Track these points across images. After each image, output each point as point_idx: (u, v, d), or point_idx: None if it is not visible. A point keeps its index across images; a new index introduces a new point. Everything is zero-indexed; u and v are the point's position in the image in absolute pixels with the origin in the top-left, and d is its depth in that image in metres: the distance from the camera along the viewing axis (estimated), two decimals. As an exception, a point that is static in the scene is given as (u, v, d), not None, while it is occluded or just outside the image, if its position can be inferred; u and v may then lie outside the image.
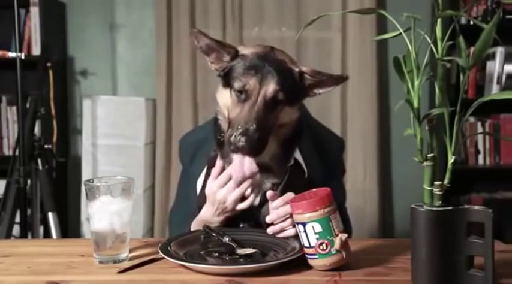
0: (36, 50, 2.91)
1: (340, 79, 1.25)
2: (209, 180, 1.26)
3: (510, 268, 1.03)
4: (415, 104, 0.88)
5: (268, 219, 1.18)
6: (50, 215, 2.30)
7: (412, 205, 0.91)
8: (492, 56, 3.06)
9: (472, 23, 2.65)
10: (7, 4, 2.26)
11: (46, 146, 2.43)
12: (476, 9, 3.05)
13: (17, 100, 2.27)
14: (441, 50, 0.87)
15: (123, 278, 1.00)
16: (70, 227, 3.08)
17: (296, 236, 1.07)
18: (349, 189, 1.56)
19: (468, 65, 0.87)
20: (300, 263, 1.02)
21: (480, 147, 3.14)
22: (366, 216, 3.08)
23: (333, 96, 3.11)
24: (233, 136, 1.12)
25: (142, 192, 2.93)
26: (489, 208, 0.87)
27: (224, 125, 1.23)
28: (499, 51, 3.03)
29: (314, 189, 1.06)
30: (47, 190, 2.33)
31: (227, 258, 1.07)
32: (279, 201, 1.16)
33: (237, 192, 1.21)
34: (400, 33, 0.89)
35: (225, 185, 1.22)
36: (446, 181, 0.88)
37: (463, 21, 2.93)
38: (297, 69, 1.21)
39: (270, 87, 1.15)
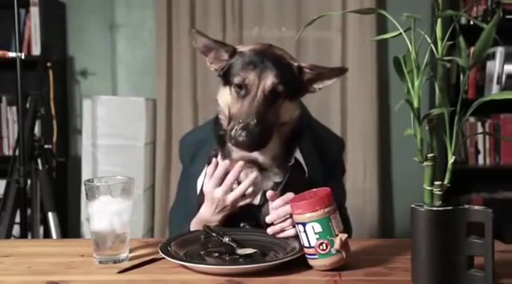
0: (36, 50, 2.91)
1: (340, 71, 1.24)
2: (205, 179, 1.26)
3: (510, 268, 1.03)
4: (415, 104, 0.88)
5: (268, 219, 1.18)
6: (50, 215, 2.30)
7: (412, 205, 0.91)
8: (492, 56, 3.06)
9: (472, 23, 2.65)
10: (7, 4, 2.26)
11: (46, 146, 2.43)
12: (476, 9, 3.05)
13: (17, 100, 2.27)
14: (441, 50, 0.88)
15: (123, 278, 1.00)
16: (70, 227, 3.08)
17: (296, 236, 1.07)
18: (349, 189, 1.56)
19: (468, 65, 0.87)
20: (300, 263, 1.02)
21: (480, 147, 3.14)
22: (366, 216, 3.08)
23: (333, 96, 3.11)
24: (234, 130, 1.12)
25: (142, 192, 2.93)
26: (489, 208, 0.87)
27: (225, 124, 1.23)
28: (499, 51, 3.03)
29: (314, 189, 1.06)
30: (47, 190, 2.33)
31: (227, 258, 1.07)
32: (279, 201, 1.16)
33: (238, 191, 1.21)
34: (400, 33, 0.89)
35: (222, 182, 1.22)
36: (446, 181, 0.88)
37: (463, 21, 2.93)
38: (295, 64, 1.22)
39: (269, 80, 1.16)
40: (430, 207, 0.88)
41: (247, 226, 1.28)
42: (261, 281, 0.96)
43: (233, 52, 1.23)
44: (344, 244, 1.00)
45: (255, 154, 1.22)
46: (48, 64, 2.72)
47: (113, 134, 2.90)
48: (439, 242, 0.88)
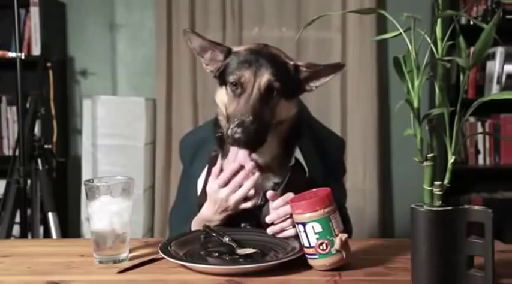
0: (36, 50, 2.91)
1: (337, 67, 1.23)
2: (210, 179, 1.26)
3: (510, 268, 1.03)
4: (415, 104, 0.88)
5: (268, 219, 1.18)
6: (50, 215, 2.30)
7: (412, 205, 0.91)
8: (492, 56, 3.06)
9: (472, 23, 2.65)
10: (7, 4, 2.26)
11: (46, 146, 2.43)
12: (476, 9, 3.05)
13: (17, 100, 2.27)
14: (441, 50, 0.88)
15: (123, 278, 1.00)
16: (70, 227, 3.08)
17: (296, 236, 1.07)
18: (349, 189, 1.56)
19: (468, 65, 0.87)
20: (300, 263, 1.02)
21: (480, 147, 3.14)
22: (366, 216, 3.08)
23: (333, 96, 3.11)
24: (230, 129, 1.12)
25: (142, 192, 2.93)
26: (489, 208, 0.87)
27: (224, 125, 1.23)
28: (499, 51, 3.03)
29: (314, 189, 1.06)
30: (47, 190, 2.33)
31: (227, 258, 1.07)
32: (279, 201, 1.16)
33: (241, 192, 1.21)
34: (400, 33, 0.89)
35: (227, 183, 1.22)
36: (446, 181, 0.88)
37: (463, 21, 2.93)
38: (291, 62, 1.22)
39: (264, 78, 1.17)
40: (430, 207, 0.88)
41: (248, 226, 1.28)
42: (261, 281, 0.96)
43: (228, 52, 1.23)
44: (344, 244, 1.00)
45: (254, 155, 1.22)
46: (48, 64, 2.72)
47: (112, 134, 2.90)
48: (439, 242, 0.88)
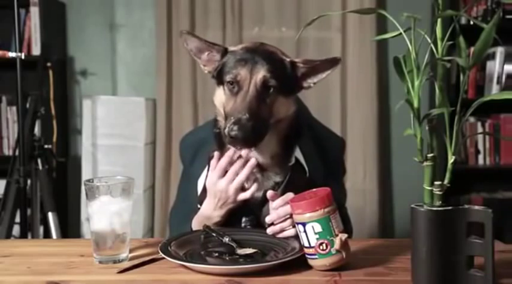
0: (36, 50, 2.91)
1: (334, 62, 1.23)
2: (209, 172, 1.27)
3: (510, 268, 1.03)
4: (415, 104, 0.88)
5: (268, 219, 1.18)
6: (50, 215, 2.30)
7: (412, 205, 0.91)
8: (492, 56, 3.06)
9: (472, 23, 2.65)
10: (7, 4, 2.26)
11: (46, 146, 2.43)
12: (476, 9, 3.05)
13: (17, 100, 2.27)
14: (441, 50, 0.88)
15: (123, 278, 1.00)
16: (70, 227, 3.08)
17: (296, 236, 1.07)
18: (349, 189, 1.56)
19: (468, 65, 0.87)
20: (300, 263, 1.02)
21: (480, 147, 3.14)
22: (366, 216, 3.08)
23: (333, 96, 3.11)
24: (227, 128, 1.13)
25: (142, 192, 2.93)
26: (489, 208, 0.87)
27: (223, 124, 1.23)
28: (499, 51, 3.03)
29: (314, 189, 1.06)
30: (47, 190, 2.33)
31: (227, 258, 1.07)
32: (279, 201, 1.16)
33: (237, 180, 1.22)
34: (400, 33, 0.89)
35: (225, 175, 1.23)
36: (446, 181, 0.88)
37: (463, 21, 2.92)
38: (288, 59, 1.22)
39: (260, 74, 1.17)
40: (430, 207, 0.88)
41: (248, 226, 1.28)
42: (261, 281, 0.96)
43: (225, 52, 1.24)
44: (344, 244, 1.00)
45: (254, 154, 1.22)
46: (48, 64, 2.72)
47: (112, 134, 2.90)
48: (439, 242, 0.88)
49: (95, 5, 3.18)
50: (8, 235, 2.21)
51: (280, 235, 1.16)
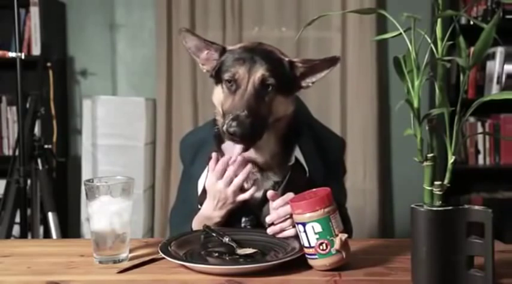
0: (36, 50, 2.91)
1: (333, 61, 1.23)
2: (208, 173, 1.27)
3: (510, 268, 1.03)
4: (415, 104, 0.88)
5: (268, 219, 1.18)
6: (50, 215, 2.30)
7: (412, 205, 0.91)
8: (492, 56, 3.06)
9: (472, 23, 2.65)
10: (7, 4, 2.26)
11: (46, 146, 2.43)
12: (476, 9, 3.05)
13: (17, 100, 2.27)
14: (441, 50, 0.88)
15: (123, 278, 1.00)
16: (70, 227, 3.08)
17: (296, 236, 1.07)
18: (349, 189, 1.56)
19: (468, 65, 0.87)
20: (300, 263, 1.02)
21: (480, 147, 3.14)
22: (366, 216, 3.08)
23: (333, 96, 3.11)
24: (225, 124, 1.13)
25: (142, 192, 2.93)
26: (489, 208, 0.87)
27: (221, 123, 1.23)
28: (499, 51, 3.03)
29: (314, 189, 1.06)
30: (47, 190, 2.33)
31: (227, 258, 1.07)
32: (279, 201, 1.16)
33: (235, 183, 1.22)
34: (400, 33, 0.89)
35: (223, 175, 1.23)
36: (446, 181, 0.88)
37: (463, 21, 2.93)
38: (286, 59, 1.23)
39: (259, 73, 1.18)
40: (430, 207, 0.88)
41: (248, 226, 1.28)
42: (261, 281, 0.96)
43: (223, 51, 1.24)
44: (344, 244, 1.00)
45: (253, 154, 1.22)
46: (48, 64, 2.72)
47: (112, 134, 2.90)
48: (439, 242, 0.88)
49: (95, 5, 3.18)
50: (8, 235, 2.21)
51: (280, 235, 1.16)
